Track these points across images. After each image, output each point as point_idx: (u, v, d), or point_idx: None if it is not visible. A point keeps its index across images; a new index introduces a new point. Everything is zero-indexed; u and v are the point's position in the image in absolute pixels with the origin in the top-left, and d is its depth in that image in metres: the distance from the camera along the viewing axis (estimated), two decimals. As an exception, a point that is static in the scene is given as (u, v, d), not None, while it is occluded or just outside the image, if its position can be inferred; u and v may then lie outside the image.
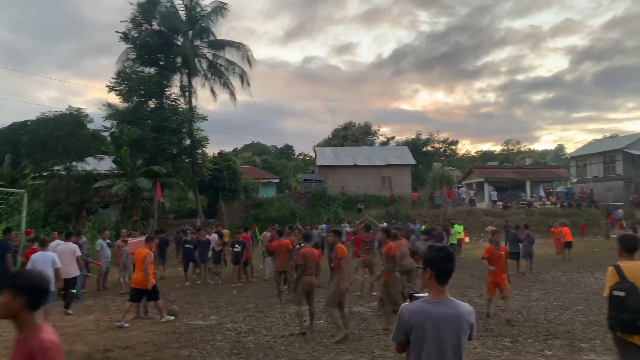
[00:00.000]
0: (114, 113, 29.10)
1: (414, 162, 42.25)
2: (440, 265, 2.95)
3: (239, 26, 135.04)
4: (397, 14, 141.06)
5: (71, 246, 10.66)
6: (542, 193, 39.71)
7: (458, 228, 20.60)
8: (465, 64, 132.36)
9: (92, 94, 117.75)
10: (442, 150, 64.75)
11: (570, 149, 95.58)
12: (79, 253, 10.74)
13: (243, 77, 32.93)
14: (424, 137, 58.09)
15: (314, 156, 52.47)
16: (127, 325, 9.08)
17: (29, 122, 33.57)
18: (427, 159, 55.59)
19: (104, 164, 31.66)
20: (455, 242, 20.15)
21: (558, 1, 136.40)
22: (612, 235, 28.11)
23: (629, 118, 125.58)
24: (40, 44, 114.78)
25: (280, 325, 9.07)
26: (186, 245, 15.24)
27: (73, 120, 29.51)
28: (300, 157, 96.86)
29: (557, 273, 15.61)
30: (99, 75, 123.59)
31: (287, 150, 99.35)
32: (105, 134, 30.07)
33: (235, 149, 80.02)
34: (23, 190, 13.57)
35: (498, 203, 38.38)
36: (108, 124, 29.36)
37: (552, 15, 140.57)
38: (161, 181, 23.84)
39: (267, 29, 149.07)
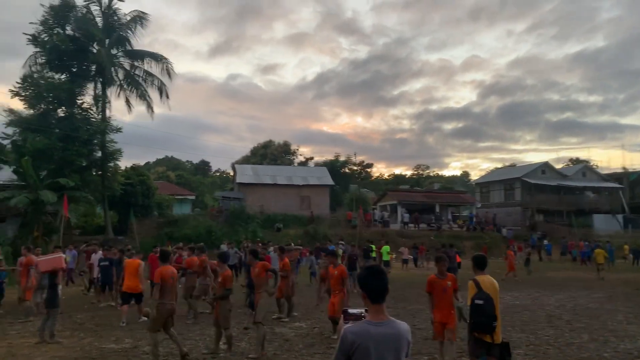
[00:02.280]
0: (16, 120, 26.93)
1: (332, 182, 43.16)
2: (370, 284, 3.00)
3: (163, 38, 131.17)
4: (321, 40, 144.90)
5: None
6: (450, 216, 42.11)
7: (386, 248, 21.27)
8: (383, 92, 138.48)
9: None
10: (358, 172, 66.81)
11: (474, 175, 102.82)
12: None
13: (162, 89, 31.99)
14: (341, 159, 59.49)
15: (232, 173, 51.88)
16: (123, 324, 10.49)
17: None
18: (345, 180, 56.95)
19: (2, 174, 29.03)
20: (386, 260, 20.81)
21: (470, 39, 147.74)
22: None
23: (527, 149, 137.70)
24: None
25: (200, 347, 8.81)
26: (102, 264, 14.25)
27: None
28: (217, 174, 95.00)
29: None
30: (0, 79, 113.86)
31: (204, 166, 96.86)
32: (6, 142, 27.65)
33: (148, 163, 76.89)
34: None
35: (410, 225, 40.17)
36: (9, 131, 27.11)
37: (464, 51, 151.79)
38: (68, 195, 22.29)
39: (192, 44, 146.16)
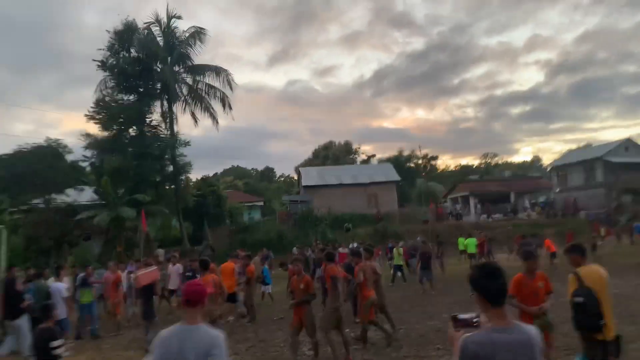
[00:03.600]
0: (93, 142, 28.47)
1: (398, 178, 42.29)
2: (487, 284, 2.64)
3: (223, 52, 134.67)
4: (375, 36, 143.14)
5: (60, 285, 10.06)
6: (527, 204, 39.95)
7: (472, 241, 20.64)
8: (444, 82, 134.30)
9: (70, 126, 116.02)
10: (423, 165, 65.25)
11: (547, 160, 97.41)
12: (64, 294, 10.09)
13: (225, 100, 32.64)
14: (405, 153, 58.34)
15: (296, 177, 52.28)
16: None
17: (3, 157, 32.56)
18: (410, 175, 55.79)
19: (85, 195, 30.81)
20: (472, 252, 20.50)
21: (532, 18, 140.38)
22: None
23: (604, 127, 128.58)
24: (17, 77, 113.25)
25: (285, 355, 8.63)
26: (187, 274, 14.45)
27: (51, 152, 28.78)
28: (282, 179, 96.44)
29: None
30: (76, 107, 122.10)
31: (268, 172, 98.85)
32: (85, 164, 29.34)
33: (216, 174, 79.29)
34: (1, 226, 12.92)
35: (483, 216, 38.53)
36: (88, 153, 28.76)
37: (527, 31, 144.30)
38: (145, 209, 23.20)
39: (251, 54, 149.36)
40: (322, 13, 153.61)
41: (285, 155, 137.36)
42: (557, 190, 44.34)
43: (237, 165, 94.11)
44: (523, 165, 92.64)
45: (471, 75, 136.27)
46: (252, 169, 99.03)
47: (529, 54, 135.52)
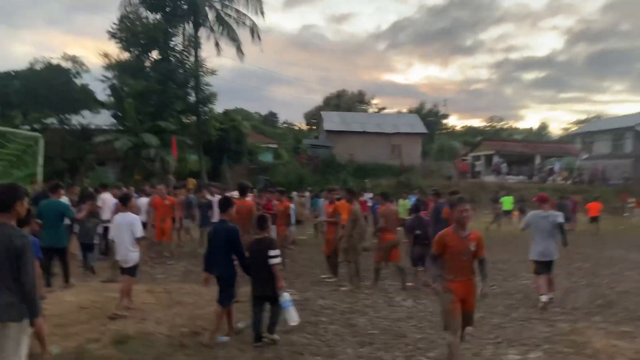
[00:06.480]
0: (114, 64, 26.55)
1: (425, 130, 40.67)
2: None
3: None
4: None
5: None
6: (556, 168, 38.58)
7: (509, 199, 19.54)
8: (461, 40, 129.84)
9: (86, 51, 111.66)
10: (434, 122, 63.30)
11: (553, 129, 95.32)
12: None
13: (254, 29, 30.36)
14: (427, 106, 56.48)
15: (300, 126, 50.23)
16: None
17: (13, 73, 30.45)
18: (430, 130, 54.15)
19: (100, 119, 29.16)
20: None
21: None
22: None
23: (615, 100, 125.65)
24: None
25: (380, 303, 7.49)
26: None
27: (67, 70, 26.88)
28: (285, 125, 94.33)
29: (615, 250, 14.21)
30: (91, 34, 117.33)
31: (271, 117, 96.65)
32: (104, 85, 27.44)
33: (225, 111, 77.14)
34: (39, 135, 11.47)
35: (508, 176, 37.30)
36: (107, 75, 26.83)
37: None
38: (172, 138, 21.74)
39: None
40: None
41: (290, 102, 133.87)
42: (585, 156, 42.97)
43: (241, 108, 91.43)
44: (528, 133, 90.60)
45: (489, 36, 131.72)
46: (256, 112, 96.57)
47: (551, 19, 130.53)
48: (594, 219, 20.20)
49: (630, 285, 8.99)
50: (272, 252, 5.40)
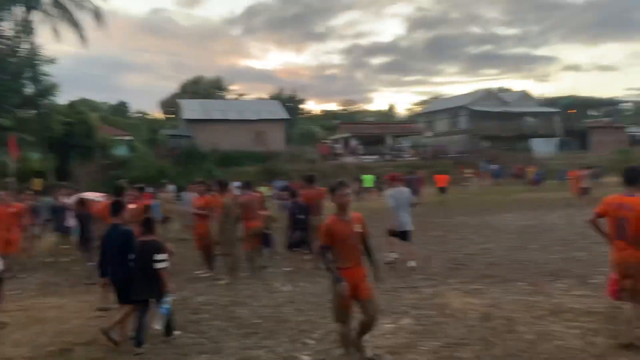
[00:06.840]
0: None
1: (287, 116, 41.36)
2: None
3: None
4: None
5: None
6: (405, 146, 42.12)
7: (370, 177, 20.77)
8: (314, 26, 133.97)
9: None
10: (292, 107, 64.86)
11: (400, 110, 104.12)
12: None
13: (97, 13, 27.91)
14: (286, 92, 57.45)
15: (153, 114, 47.77)
16: None
17: None
18: (291, 115, 55.28)
19: None
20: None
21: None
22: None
23: (449, 82, 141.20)
24: None
25: (260, 291, 7.64)
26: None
27: None
28: (138, 115, 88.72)
29: (460, 217, 16.23)
30: None
31: (121, 107, 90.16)
32: None
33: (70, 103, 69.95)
34: None
35: (364, 157, 39.84)
36: None
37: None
38: (8, 136, 19.11)
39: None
40: None
41: (142, 90, 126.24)
42: (431, 135, 47.59)
43: (85, 98, 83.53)
44: (379, 114, 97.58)
45: (339, 22, 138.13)
46: (103, 102, 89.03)
47: (392, 6, 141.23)
48: (443, 190, 22.88)
49: (475, 248, 10.42)
50: (158, 256, 5.28)
